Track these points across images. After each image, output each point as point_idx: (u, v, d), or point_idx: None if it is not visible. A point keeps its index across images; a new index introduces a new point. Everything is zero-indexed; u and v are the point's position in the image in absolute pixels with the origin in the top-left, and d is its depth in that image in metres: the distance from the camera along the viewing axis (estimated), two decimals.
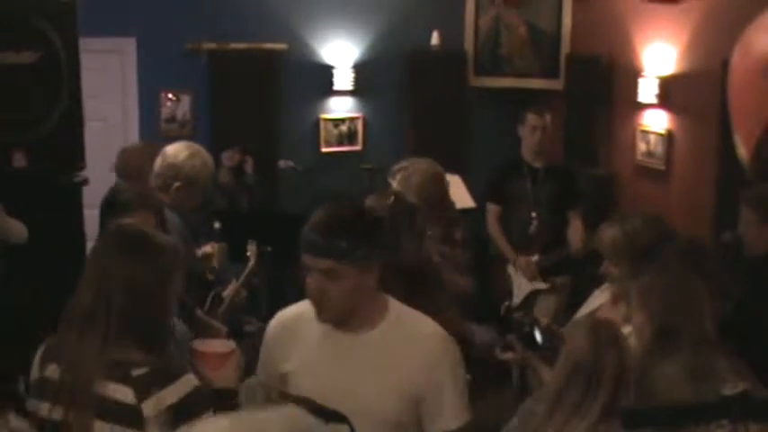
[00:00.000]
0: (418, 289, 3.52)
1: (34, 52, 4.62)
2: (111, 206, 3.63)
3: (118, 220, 3.03)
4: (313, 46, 8.11)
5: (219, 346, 2.63)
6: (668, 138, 7.01)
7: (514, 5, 8.36)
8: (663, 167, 7.06)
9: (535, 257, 6.06)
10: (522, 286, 6.13)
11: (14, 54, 4.58)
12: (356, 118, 8.37)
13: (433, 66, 8.38)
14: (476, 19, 8.54)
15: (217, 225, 5.47)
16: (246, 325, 5.09)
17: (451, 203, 5.06)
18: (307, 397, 2.03)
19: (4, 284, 4.23)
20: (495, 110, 8.64)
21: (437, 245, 4.59)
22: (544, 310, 5.79)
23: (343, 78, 8.18)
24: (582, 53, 8.01)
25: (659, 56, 7.03)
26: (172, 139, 5.68)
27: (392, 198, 3.95)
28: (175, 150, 4.26)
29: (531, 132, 6.08)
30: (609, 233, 3.74)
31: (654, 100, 7.06)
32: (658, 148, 7.09)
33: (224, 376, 2.53)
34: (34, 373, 2.52)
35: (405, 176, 4.66)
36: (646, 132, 7.23)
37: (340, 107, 8.32)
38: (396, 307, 2.64)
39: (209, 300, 4.17)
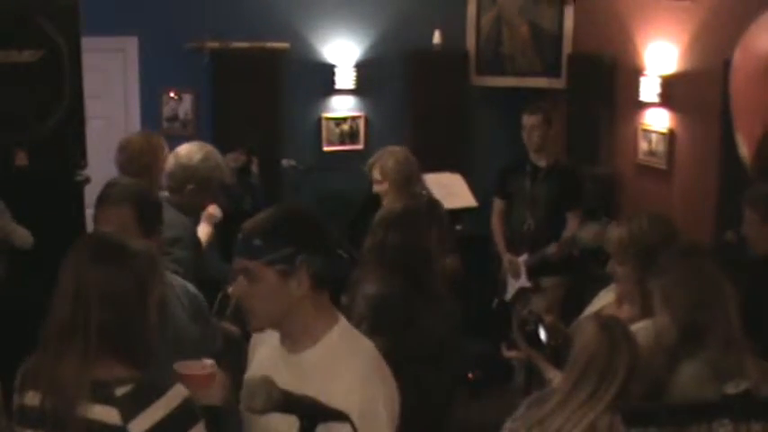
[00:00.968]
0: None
1: (36, 51, 4.62)
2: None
3: (96, 215, 2.92)
4: (315, 45, 8.11)
5: (200, 368, 2.50)
6: (670, 137, 7.00)
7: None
8: (664, 167, 7.06)
9: (524, 256, 6.12)
10: (513, 283, 6.24)
11: (17, 53, 4.58)
12: (358, 117, 8.37)
13: (434, 65, 8.37)
14: (477, 18, 8.53)
15: None
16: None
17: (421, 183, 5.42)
18: (308, 396, 2.01)
19: (6, 284, 4.23)
20: (497, 109, 8.64)
21: None
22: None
23: (345, 77, 8.18)
24: (584, 52, 8.01)
25: (661, 55, 7.02)
26: (174, 137, 5.69)
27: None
28: (189, 152, 4.19)
29: (528, 132, 6.14)
30: (616, 233, 3.74)
31: (656, 99, 7.05)
32: (660, 148, 7.09)
33: (208, 395, 2.44)
34: (15, 398, 2.40)
35: (380, 165, 5.18)
36: (647, 131, 7.23)
37: (342, 106, 8.32)
38: (341, 326, 2.42)
39: (216, 301, 4.14)
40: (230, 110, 7.82)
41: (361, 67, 8.22)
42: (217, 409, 2.44)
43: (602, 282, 4.00)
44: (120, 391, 2.25)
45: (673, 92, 6.96)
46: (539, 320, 3.77)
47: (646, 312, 3.36)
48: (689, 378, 2.91)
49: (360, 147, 8.35)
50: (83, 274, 2.33)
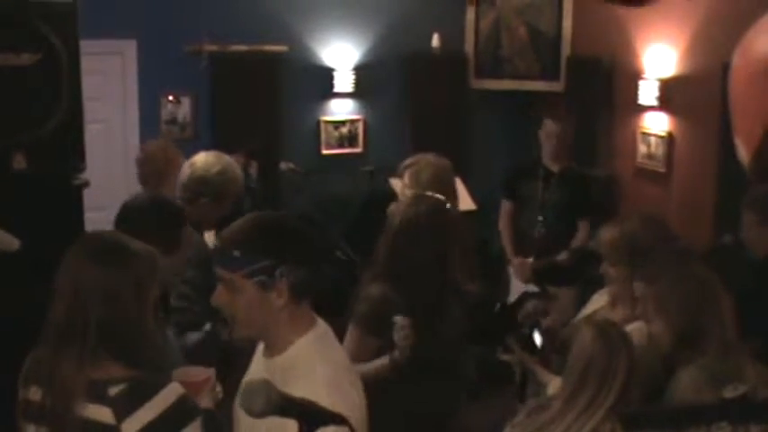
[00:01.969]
0: None
1: (34, 54, 4.61)
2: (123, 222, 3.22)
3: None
4: (314, 48, 8.12)
5: (195, 374, 2.55)
6: (669, 140, 7.00)
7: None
8: (663, 170, 7.06)
9: (530, 260, 6.02)
10: (517, 286, 6.10)
11: (15, 56, 4.57)
12: (357, 120, 8.37)
13: (433, 68, 8.38)
14: (476, 21, 8.54)
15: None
16: None
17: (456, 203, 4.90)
18: (306, 399, 2.00)
19: (4, 288, 4.22)
20: (496, 112, 8.66)
21: None
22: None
23: (344, 80, 8.19)
24: (582, 55, 8.01)
25: (660, 58, 7.03)
26: (172, 141, 5.67)
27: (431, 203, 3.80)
28: (206, 163, 4.08)
29: (548, 138, 5.98)
30: (608, 234, 3.74)
31: (654, 102, 7.06)
32: (659, 151, 7.09)
33: (205, 399, 2.47)
34: (20, 392, 2.44)
35: (414, 172, 4.67)
36: (646, 134, 7.23)
37: (340, 109, 8.33)
38: (317, 333, 2.39)
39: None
40: (229, 113, 7.83)
41: (359, 70, 8.23)
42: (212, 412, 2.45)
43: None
44: (114, 390, 2.27)
45: (671, 95, 6.96)
46: (535, 324, 3.77)
47: (639, 314, 3.36)
48: (687, 384, 2.90)
49: (358, 150, 8.36)
50: (81, 273, 2.35)
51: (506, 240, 6.23)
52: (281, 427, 1.97)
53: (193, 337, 3.58)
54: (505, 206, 6.28)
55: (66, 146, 4.82)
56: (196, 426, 2.29)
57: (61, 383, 2.29)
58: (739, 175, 5.59)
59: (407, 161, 4.76)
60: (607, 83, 7.62)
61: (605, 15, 7.64)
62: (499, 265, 6.43)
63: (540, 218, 6.00)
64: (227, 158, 4.19)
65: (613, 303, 3.77)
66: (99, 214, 5.81)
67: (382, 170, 6.85)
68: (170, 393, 2.29)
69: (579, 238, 5.91)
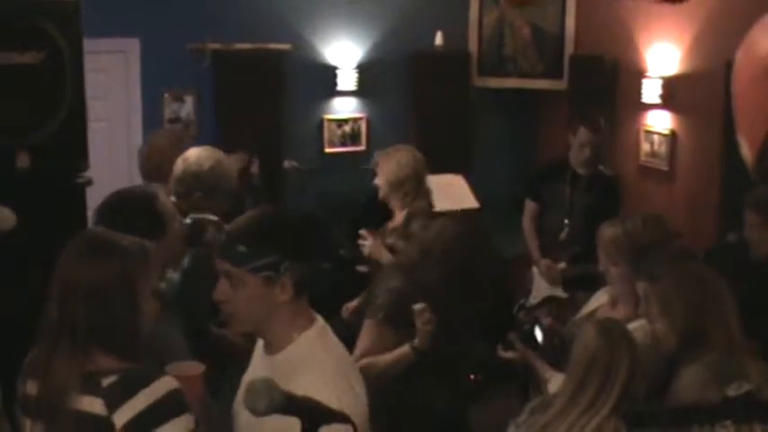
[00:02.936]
0: None
1: (38, 53, 4.61)
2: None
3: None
4: (317, 46, 8.11)
5: (188, 369, 2.54)
6: (672, 138, 7.00)
7: (517, 4, 8.36)
8: (666, 168, 7.06)
9: (562, 264, 5.91)
10: (540, 289, 6.01)
11: (18, 54, 4.57)
12: (360, 118, 8.37)
13: (436, 66, 8.37)
14: (479, 19, 8.54)
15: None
16: None
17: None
18: (309, 397, 2.00)
19: (7, 286, 4.22)
20: (499, 110, 8.65)
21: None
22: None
23: (347, 79, 8.18)
24: (586, 54, 8.01)
25: (663, 56, 7.02)
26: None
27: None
28: (199, 158, 4.10)
29: (581, 147, 5.88)
30: (609, 233, 3.74)
31: (657, 100, 7.05)
32: (662, 149, 7.09)
33: (199, 396, 2.47)
34: (19, 387, 2.46)
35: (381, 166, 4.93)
36: (649, 133, 7.23)
37: (344, 108, 8.33)
38: (316, 330, 2.40)
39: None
40: (232, 111, 7.83)
41: (362, 68, 8.22)
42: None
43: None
44: (106, 381, 2.28)
45: (675, 93, 6.96)
46: (536, 321, 3.78)
47: (641, 313, 3.36)
48: (691, 383, 2.91)
49: (361, 148, 8.36)
50: (71, 269, 2.37)
51: (531, 242, 6.12)
52: (283, 425, 1.98)
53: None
54: (530, 207, 6.16)
55: (70, 144, 4.82)
56: (188, 419, 2.29)
57: (54, 377, 2.30)
58: (742, 174, 5.60)
59: (374, 158, 4.91)
60: (610, 81, 7.61)
61: (608, 14, 7.64)
62: (499, 265, 6.41)
63: (567, 221, 5.90)
64: (220, 153, 4.21)
65: (614, 302, 3.78)
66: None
67: None
68: (162, 385, 2.29)
69: None
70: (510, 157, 8.63)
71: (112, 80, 7.48)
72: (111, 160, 7.12)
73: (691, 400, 2.83)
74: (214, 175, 4.05)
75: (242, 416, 2.36)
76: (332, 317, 3.47)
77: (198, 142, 4.73)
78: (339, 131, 8.32)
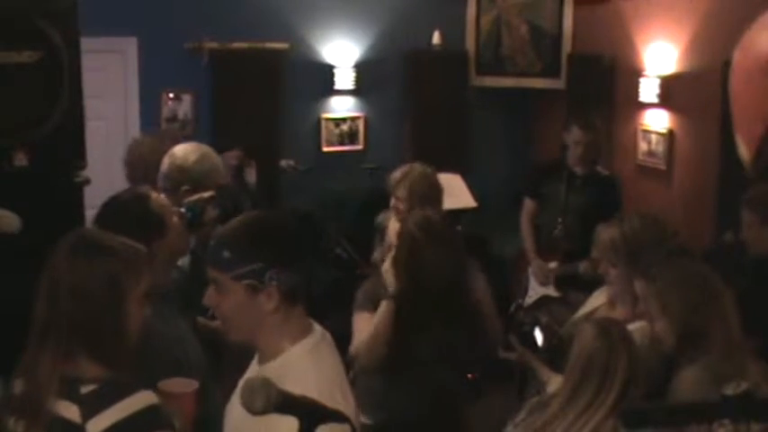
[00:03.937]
0: None
1: (35, 52, 4.61)
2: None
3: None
4: (314, 45, 8.12)
5: (183, 385, 2.49)
6: (669, 137, 7.00)
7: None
8: (664, 167, 7.06)
9: (553, 264, 5.94)
10: (536, 288, 6.04)
11: (15, 53, 4.57)
12: (357, 117, 8.37)
13: (434, 65, 8.38)
14: (477, 18, 8.54)
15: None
16: None
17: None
18: (307, 396, 1.99)
19: (4, 285, 4.22)
20: (497, 109, 8.66)
21: None
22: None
23: (345, 78, 8.19)
24: (583, 52, 8.01)
25: (661, 55, 7.02)
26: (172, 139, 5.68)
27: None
28: (185, 152, 4.07)
29: (574, 146, 5.89)
30: (607, 235, 3.73)
31: (655, 99, 7.06)
32: (659, 148, 7.09)
33: (188, 413, 2.43)
34: (10, 387, 2.42)
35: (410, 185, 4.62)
36: (647, 132, 7.23)
37: (341, 107, 8.33)
38: (311, 341, 2.31)
39: None
40: (229, 110, 7.83)
41: (360, 67, 8.23)
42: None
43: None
44: (86, 389, 2.24)
45: (672, 92, 6.96)
46: (535, 322, 3.77)
47: (639, 313, 3.36)
48: (690, 383, 2.90)
49: (359, 147, 8.36)
50: (56, 269, 2.32)
51: (527, 240, 6.13)
52: (277, 426, 1.96)
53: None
54: (528, 205, 6.17)
55: (67, 143, 4.82)
56: None
57: (36, 378, 2.27)
58: (740, 173, 5.60)
59: (396, 175, 4.67)
60: (608, 80, 7.62)
61: (606, 13, 7.65)
62: (500, 264, 6.42)
63: (560, 219, 5.91)
64: (207, 148, 4.19)
65: (612, 303, 3.77)
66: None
67: (383, 168, 6.85)
68: (140, 399, 2.23)
69: None
70: (507, 156, 8.64)
71: (110, 79, 7.48)
72: (109, 159, 7.11)
73: (688, 399, 2.83)
74: (200, 169, 4.03)
75: (231, 415, 2.33)
76: (328, 315, 3.46)
77: (195, 141, 4.72)
78: (337, 130, 8.32)
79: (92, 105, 5.70)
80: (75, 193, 4.89)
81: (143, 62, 7.57)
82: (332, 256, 6.81)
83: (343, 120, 8.34)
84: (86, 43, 5.13)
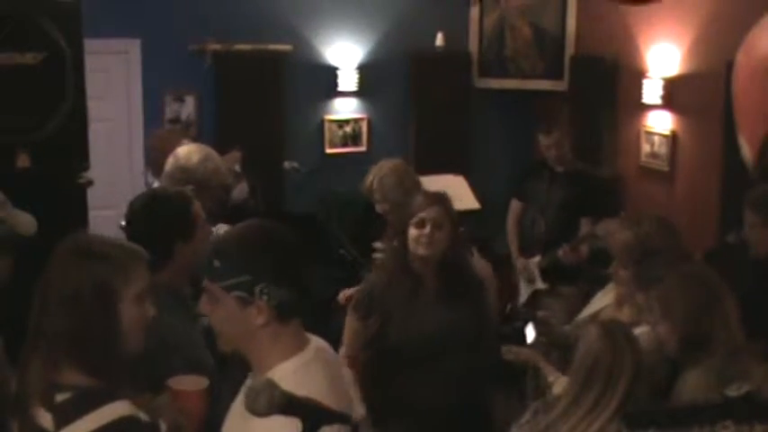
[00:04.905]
0: None
1: (39, 53, 4.63)
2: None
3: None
4: (317, 47, 8.12)
5: (193, 383, 2.48)
6: (672, 139, 7.00)
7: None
8: (667, 168, 7.05)
9: (536, 258, 6.06)
10: (525, 287, 6.16)
11: (19, 55, 4.59)
12: (361, 119, 8.37)
13: (437, 67, 8.38)
14: (480, 20, 8.54)
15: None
16: None
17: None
18: (311, 398, 1.97)
19: (6, 287, 4.23)
20: (500, 111, 8.65)
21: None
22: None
23: (348, 79, 8.19)
24: (586, 54, 8.00)
25: (664, 57, 7.02)
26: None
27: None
28: (188, 153, 4.12)
29: (546, 150, 6.05)
30: (621, 236, 3.72)
31: (658, 101, 7.05)
32: (662, 150, 7.09)
33: (197, 412, 2.43)
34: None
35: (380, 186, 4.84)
36: (650, 133, 7.22)
37: (344, 108, 8.33)
38: (302, 358, 2.22)
39: None
40: (233, 112, 7.83)
41: (363, 69, 8.23)
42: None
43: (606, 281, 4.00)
44: (60, 397, 2.21)
45: (675, 94, 6.96)
46: (528, 318, 3.78)
47: (644, 319, 3.37)
48: (693, 386, 2.90)
49: (362, 149, 8.36)
50: (48, 273, 2.31)
51: (512, 242, 6.29)
52: (276, 429, 1.95)
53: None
54: (514, 205, 6.34)
55: (71, 145, 4.84)
56: None
57: (24, 383, 2.25)
58: (743, 174, 5.59)
59: (368, 180, 4.88)
60: (611, 82, 7.61)
61: (609, 14, 7.64)
62: (501, 265, 6.42)
63: (541, 216, 6.05)
64: (209, 149, 4.23)
65: (620, 303, 3.77)
66: (103, 213, 5.84)
67: None
68: (114, 410, 2.19)
69: (581, 235, 5.91)
70: (510, 158, 8.62)
71: (113, 81, 7.49)
72: (112, 161, 7.13)
73: (691, 401, 2.82)
74: (204, 169, 4.06)
75: (231, 420, 2.30)
76: (331, 317, 3.47)
77: (198, 142, 4.73)
78: (340, 132, 8.32)
79: (95, 107, 5.72)
80: (78, 194, 4.90)
81: (146, 64, 7.57)
82: (335, 257, 6.80)
83: (347, 121, 8.34)
84: (90, 45, 5.15)
